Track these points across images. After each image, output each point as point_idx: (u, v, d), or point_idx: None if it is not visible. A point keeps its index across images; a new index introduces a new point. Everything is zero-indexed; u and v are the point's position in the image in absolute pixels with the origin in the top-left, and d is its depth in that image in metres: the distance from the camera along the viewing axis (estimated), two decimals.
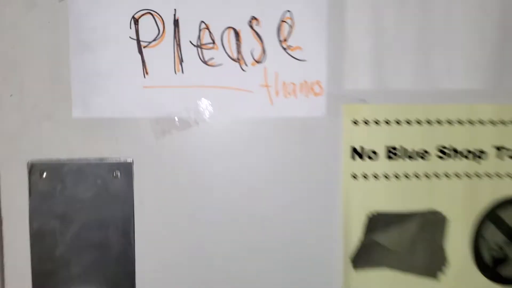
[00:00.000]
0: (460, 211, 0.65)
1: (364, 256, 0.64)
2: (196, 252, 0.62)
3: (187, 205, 0.62)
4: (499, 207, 0.65)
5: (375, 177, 0.63)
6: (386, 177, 0.63)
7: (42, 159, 0.60)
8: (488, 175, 0.64)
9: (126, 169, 0.61)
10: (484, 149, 0.64)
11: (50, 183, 0.60)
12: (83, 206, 0.61)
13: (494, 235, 0.66)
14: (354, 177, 0.63)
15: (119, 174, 0.61)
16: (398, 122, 0.62)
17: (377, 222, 0.64)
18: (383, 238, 0.64)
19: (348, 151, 0.62)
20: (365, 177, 0.63)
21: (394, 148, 0.63)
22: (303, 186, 0.63)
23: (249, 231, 0.63)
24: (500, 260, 0.66)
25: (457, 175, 0.64)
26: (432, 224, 0.64)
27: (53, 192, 0.60)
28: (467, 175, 0.64)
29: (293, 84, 0.60)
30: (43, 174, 0.60)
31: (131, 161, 0.61)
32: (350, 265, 0.64)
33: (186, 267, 0.63)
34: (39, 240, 0.61)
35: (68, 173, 0.60)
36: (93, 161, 0.60)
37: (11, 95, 0.58)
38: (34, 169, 0.60)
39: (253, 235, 0.63)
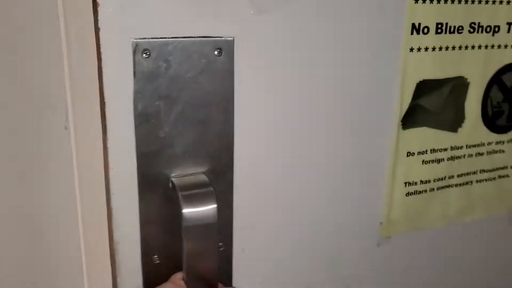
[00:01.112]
0: (478, 76, 0.80)
1: (410, 118, 0.77)
2: (293, 126, 0.68)
3: (287, 82, 0.66)
4: (503, 72, 0.82)
5: (425, 49, 0.74)
6: (433, 49, 0.74)
7: (147, 37, 0.58)
8: (499, 46, 0.80)
9: (228, 47, 0.62)
10: (500, 24, 0.79)
11: (154, 63, 0.59)
12: (186, 85, 0.61)
13: (496, 95, 0.83)
14: (411, 50, 0.73)
15: (221, 52, 0.62)
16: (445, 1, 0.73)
17: (423, 89, 0.76)
18: (426, 101, 0.77)
19: (409, 27, 0.72)
20: (418, 49, 0.73)
21: (441, 24, 0.74)
22: (366, 56, 0.70)
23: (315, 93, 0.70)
24: (498, 114, 0.85)
25: (479, 47, 0.78)
26: (459, 87, 0.79)
27: (158, 72, 0.60)
28: (485, 47, 0.79)
29: None
30: (147, 53, 0.58)
31: (232, 39, 0.62)
32: (400, 126, 0.77)
33: (282, 140, 0.69)
34: (144, 121, 0.61)
35: (173, 52, 0.60)
36: (197, 39, 0.60)
37: None
38: (138, 49, 0.58)
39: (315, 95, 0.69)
